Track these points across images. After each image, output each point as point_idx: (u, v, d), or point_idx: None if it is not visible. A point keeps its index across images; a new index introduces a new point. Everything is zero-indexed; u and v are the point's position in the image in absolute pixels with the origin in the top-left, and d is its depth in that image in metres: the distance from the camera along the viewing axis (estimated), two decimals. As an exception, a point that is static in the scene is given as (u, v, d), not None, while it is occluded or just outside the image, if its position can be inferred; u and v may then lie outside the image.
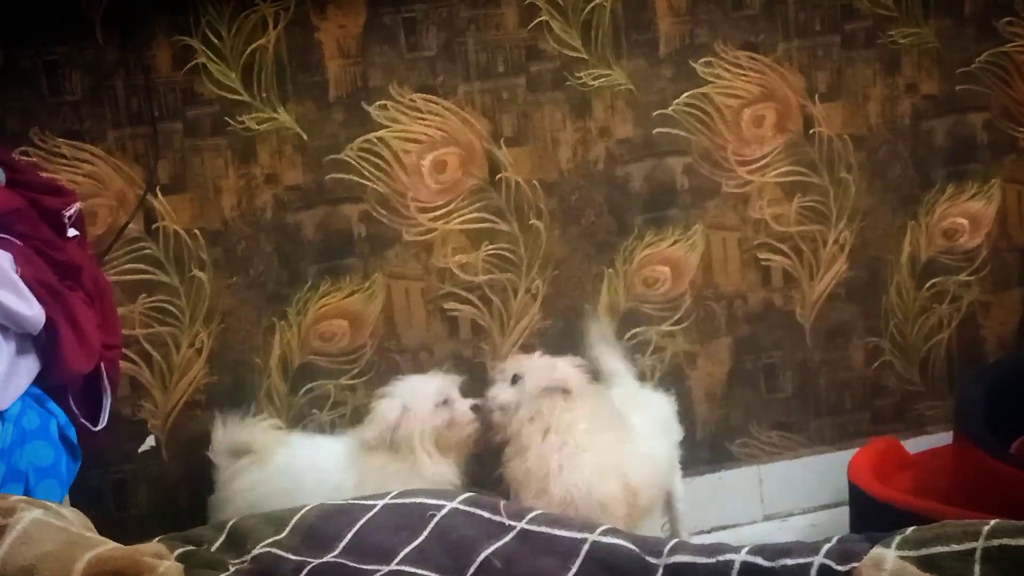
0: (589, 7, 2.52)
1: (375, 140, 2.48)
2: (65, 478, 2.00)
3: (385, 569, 1.49)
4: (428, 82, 2.49)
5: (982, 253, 2.79)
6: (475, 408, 2.29)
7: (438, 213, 2.53)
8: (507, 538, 1.55)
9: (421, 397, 2.27)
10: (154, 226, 2.43)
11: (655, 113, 2.59)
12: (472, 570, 1.50)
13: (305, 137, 2.46)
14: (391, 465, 2.22)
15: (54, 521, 1.47)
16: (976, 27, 2.70)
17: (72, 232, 2.20)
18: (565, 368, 2.28)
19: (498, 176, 2.55)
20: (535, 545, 1.53)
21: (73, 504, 1.90)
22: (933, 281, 2.78)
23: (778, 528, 2.71)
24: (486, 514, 1.59)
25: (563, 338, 2.60)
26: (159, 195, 2.42)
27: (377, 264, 2.52)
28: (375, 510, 1.60)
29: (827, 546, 1.44)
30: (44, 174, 2.32)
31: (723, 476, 2.73)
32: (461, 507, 1.60)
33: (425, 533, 1.55)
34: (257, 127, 2.44)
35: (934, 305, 2.79)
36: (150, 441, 2.48)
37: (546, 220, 2.58)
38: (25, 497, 1.59)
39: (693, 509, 2.59)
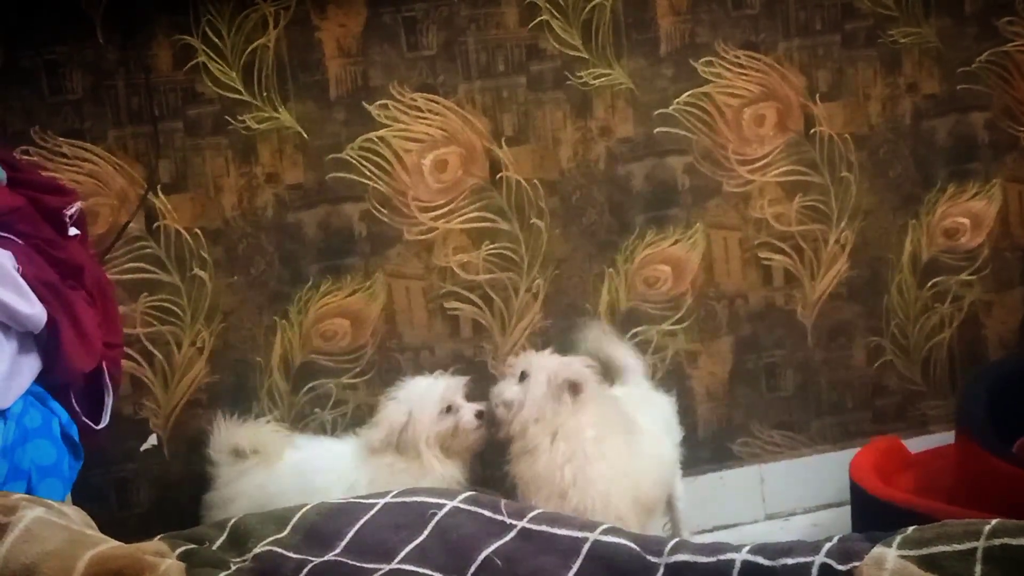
0: (590, 6, 2.52)
1: (376, 139, 2.48)
2: (67, 477, 2.01)
3: (386, 568, 1.49)
4: (429, 81, 2.49)
5: (983, 252, 2.79)
6: (479, 415, 2.28)
7: (439, 212, 2.53)
8: (508, 537, 1.55)
9: (426, 403, 2.26)
10: (155, 225, 2.43)
11: (656, 112, 2.59)
12: (473, 569, 1.50)
13: (306, 136, 2.46)
14: (399, 463, 2.22)
15: (56, 519, 1.47)
16: (977, 26, 2.69)
17: (73, 231, 2.20)
18: (577, 365, 2.26)
19: (499, 175, 2.55)
20: (536, 544, 1.53)
21: (75, 502, 1.90)
22: (934, 280, 2.78)
23: (779, 527, 2.71)
24: (487, 513, 1.59)
25: (564, 337, 2.60)
26: (160, 194, 2.42)
27: (378, 263, 2.52)
28: (376, 509, 1.60)
29: (828, 545, 1.44)
30: (45, 173, 2.32)
31: (724, 475, 2.73)
32: (462, 506, 1.60)
33: (426, 532, 1.55)
34: (258, 126, 2.44)
35: (935, 304, 2.79)
36: (152, 440, 2.48)
37: (547, 219, 2.58)
38: (27, 495, 1.59)
39: (694, 508, 2.59)
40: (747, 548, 1.48)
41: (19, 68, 2.33)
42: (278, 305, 2.50)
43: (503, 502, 1.62)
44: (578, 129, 2.57)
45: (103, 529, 1.57)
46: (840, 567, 1.40)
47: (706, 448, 2.72)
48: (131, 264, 2.43)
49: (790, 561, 1.43)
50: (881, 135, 2.70)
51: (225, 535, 1.59)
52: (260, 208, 2.47)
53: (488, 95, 2.52)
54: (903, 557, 1.38)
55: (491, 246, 2.56)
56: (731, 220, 2.66)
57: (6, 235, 2.04)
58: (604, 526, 1.56)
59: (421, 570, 1.49)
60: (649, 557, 1.50)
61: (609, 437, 2.19)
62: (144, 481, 2.49)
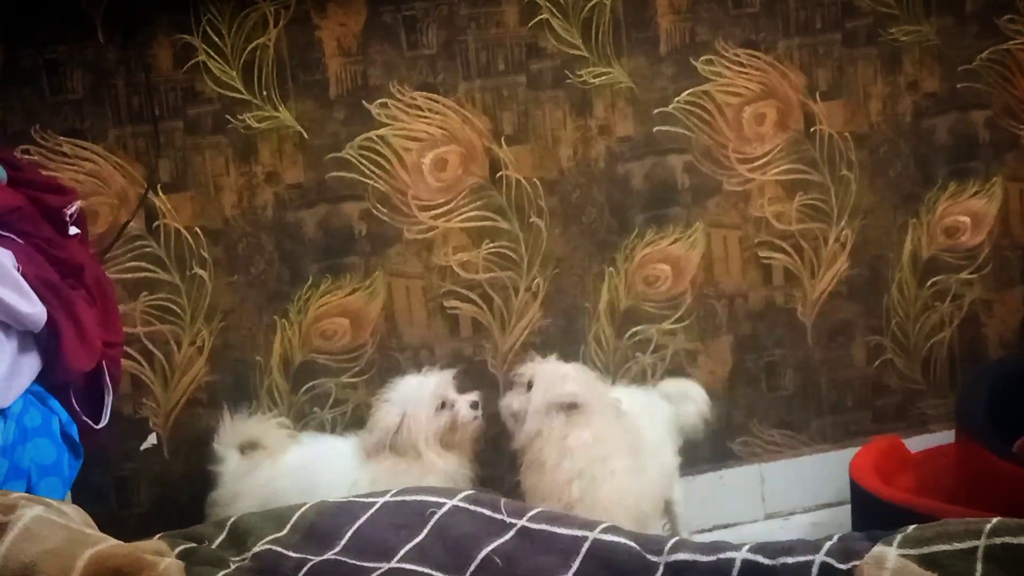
0: (589, 5, 2.52)
1: (376, 138, 2.48)
2: (67, 476, 2.01)
3: (385, 567, 1.49)
4: (429, 80, 2.49)
5: (984, 251, 2.78)
6: (475, 405, 2.28)
7: (439, 211, 2.53)
8: (507, 536, 1.54)
9: (419, 402, 2.25)
10: (155, 224, 2.43)
11: (656, 111, 2.59)
12: (472, 568, 1.49)
13: (306, 135, 2.46)
14: (400, 465, 2.22)
15: (55, 518, 1.47)
16: (977, 24, 2.69)
17: (73, 230, 2.20)
18: (574, 381, 2.23)
19: (499, 174, 2.55)
20: (536, 543, 1.53)
21: (75, 502, 1.90)
22: (935, 279, 2.77)
23: (779, 527, 2.70)
24: (486, 512, 1.59)
25: (564, 336, 2.60)
26: (160, 193, 2.42)
27: (378, 262, 2.52)
28: (375, 508, 1.60)
29: (828, 544, 1.44)
30: (45, 172, 2.32)
31: (724, 474, 2.73)
32: (461, 505, 1.59)
33: (425, 531, 1.55)
34: (258, 125, 2.44)
35: (936, 303, 2.78)
36: (151, 439, 2.48)
37: (547, 218, 2.58)
38: (27, 494, 1.59)
39: (694, 508, 2.59)
40: (747, 547, 1.48)
41: (20, 67, 2.33)
42: (278, 304, 2.50)
43: (503, 501, 1.62)
44: (578, 128, 2.56)
45: (103, 528, 1.57)
46: (840, 566, 1.40)
47: (706, 447, 2.71)
48: (131, 263, 2.43)
49: (790, 560, 1.43)
50: (881, 133, 2.70)
51: (224, 534, 1.59)
52: (260, 207, 2.47)
53: (488, 94, 2.52)
54: (904, 556, 1.38)
55: (491, 245, 2.56)
56: (731, 219, 2.66)
57: (6, 234, 2.04)
58: (604, 525, 1.56)
59: (421, 569, 1.49)
60: (649, 556, 1.50)
61: (615, 456, 2.18)
62: (144, 480, 2.49)
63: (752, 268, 2.69)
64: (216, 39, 2.39)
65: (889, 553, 1.38)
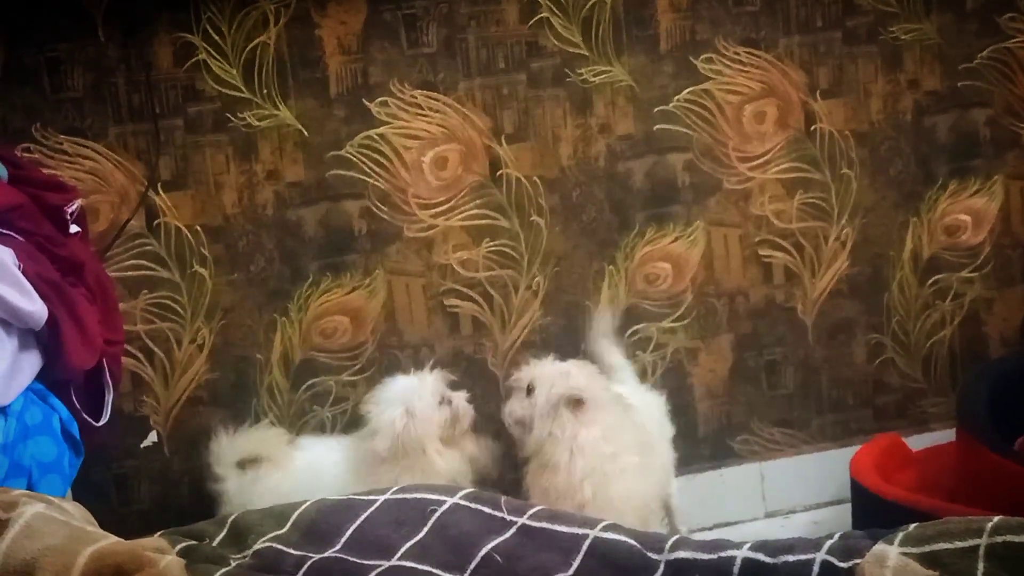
0: (590, 3, 2.52)
1: (376, 136, 2.48)
2: (68, 473, 2.01)
3: (386, 564, 1.49)
4: (429, 78, 2.49)
5: (985, 250, 2.78)
6: (470, 400, 2.28)
7: (439, 209, 2.53)
8: (508, 534, 1.55)
9: (424, 399, 2.23)
10: (155, 222, 2.43)
11: (656, 109, 2.58)
12: (473, 566, 1.49)
13: (306, 133, 2.46)
14: (404, 476, 2.16)
15: (56, 515, 1.47)
16: (978, 23, 2.69)
17: (74, 228, 2.20)
18: (578, 376, 2.20)
19: (499, 172, 2.55)
20: (536, 541, 1.53)
21: (75, 499, 1.89)
22: (935, 278, 2.77)
23: (780, 525, 2.70)
24: (487, 510, 1.59)
25: (564, 335, 2.60)
26: (160, 191, 2.42)
27: (378, 260, 2.52)
28: (376, 505, 1.60)
29: (829, 543, 1.44)
30: (46, 170, 2.32)
31: (724, 473, 2.72)
32: (462, 503, 1.60)
33: (426, 529, 1.55)
34: (258, 123, 2.44)
35: (936, 302, 2.78)
36: (152, 437, 2.48)
37: (547, 216, 2.58)
38: (27, 491, 1.59)
39: (695, 506, 2.58)
40: (748, 545, 1.48)
41: (21, 66, 2.33)
42: (278, 302, 2.50)
43: (503, 499, 1.62)
44: (578, 126, 2.56)
45: (103, 525, 1.57)
46: (841, 564, 1.40)
47: (706, 446, 2.71)
48: (131, 261, 2.43)
49: (791, 558, 1.43)
50: (882, 132, 2.70)
51: (225, 531, 1.59)
52: (260, 205, 2.47)
53: (488, 92, 2.51)
54: (905, 554, 1.38)
55: (491, 243, 2.56)
56: (731, 217, 2.66)
57: (7, 232, 2.04)
58: (604, 523, 1.56)
59: (421, 567, 1.49)
60: (650, 554, 1.50)
61: (624, 453, 2.17)
62: (144, 478, 2.49)
63: (752, 266, 2.69)
64: (216, 37, 2.39)
65: (890, 551, 1.38)
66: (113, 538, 1.48)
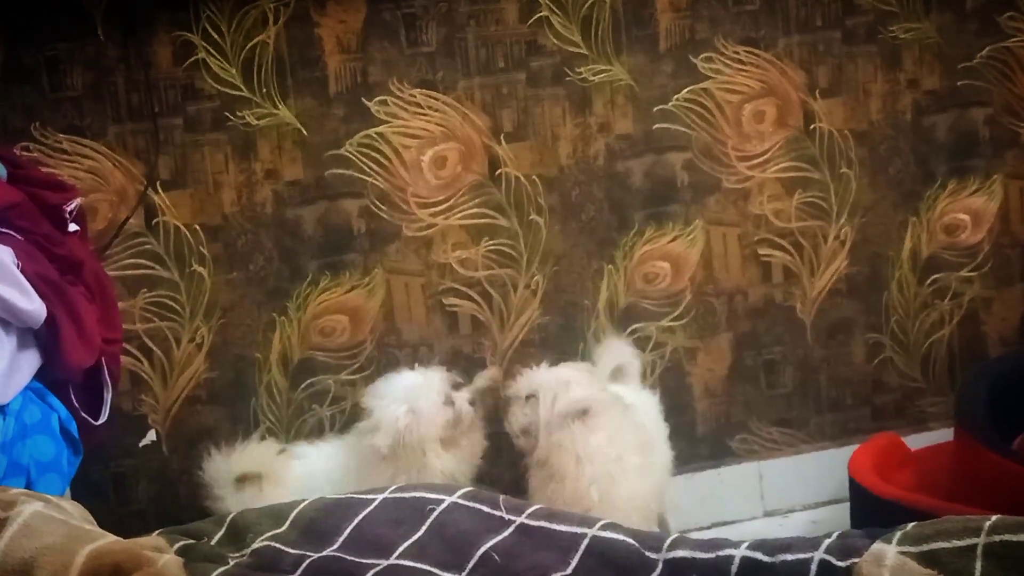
0: (589, 2, 2.52)
1: (375, 136, 2.48)
2: (66, 472, 2.01)
3: (384, 563, 1.49)
4: (428, 78, 2.49)
5: (984, 249, 2.78)
6: (472, 401, 2.25)
7: (438, 209, 2.53)
8: (506, 532, 1.55)
9: (428, 398, 2.20)
10: (154, 221, 2.43)
11: (655, 109, 2.58)
12: (471, 564, 1.49)
13: (305, 132, 2.46)
14: (400, 476, 2.14)
15: (54, 514, 1.47)
16: (978, 22, 2.69)
17: (73, 227, 2.20)
18: (579, 385, 2.18)
19: (498, 172, 2.55)
20: (534, 539, 1.53)
21: (74, 498, 1.89)
22: (934, 277, 2.77)
23: (778, 524, 2.70)
24: (485, 508, 1.59)
25: (563, 334, 2.60)
26: (159, 190, 2.42)
27: (377, 259, 2.52)
28: (374, 504, 1.60)
29: (827, 542, 1.44)
30: (45, 169, 2.32)
31: (723, 472, 2.72)
32: (460, 501, 1.60)
33: (424, 527, 1.55)
34: (257, 122, 2.44)
35: (935, 301, 2.78)
36: (151, 436, 2.48)
37: (546, 216, 2.58)
38: (26, 490, 1.59)
39: (693, 505, 2.59)
40: (746, 544, 1.48)
41: (20, 65, 2.33)
42: (277, 301, 2.50)
43: (501, 498, 1.62)
44: (577, 125, 2.56)
45: (102, 524, 1.57)
46: (839, 563, 1.40)
47: (705, 445, 2.72)
48: (130, 260, 2.43)
49: (789, 557, 1.43)
50: (881, 131, 2.70)
51: (223, 530, 1.59)
52: (259, 204, 2.47)
53: (487, 91, 2.51)
54: (902, 553, 1.38)
55: (490, 242, 2.56)
56: (730, 216, 2.66)
57: (6, 231, 2.04)
58: (602, 522, 1.56)
59: (419, 566, 1.49)
60: (648, 553, 1.50)
61: (627, 454, 2.17)
62: (143, 477, 2.49)
63: (751, 266, 2.69)
64: (216, 36, 2.39)
65: (888, 551, 1.38)
66: (111, 537, 1.48)
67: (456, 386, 2.27)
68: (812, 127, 2.66)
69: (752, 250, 2.68)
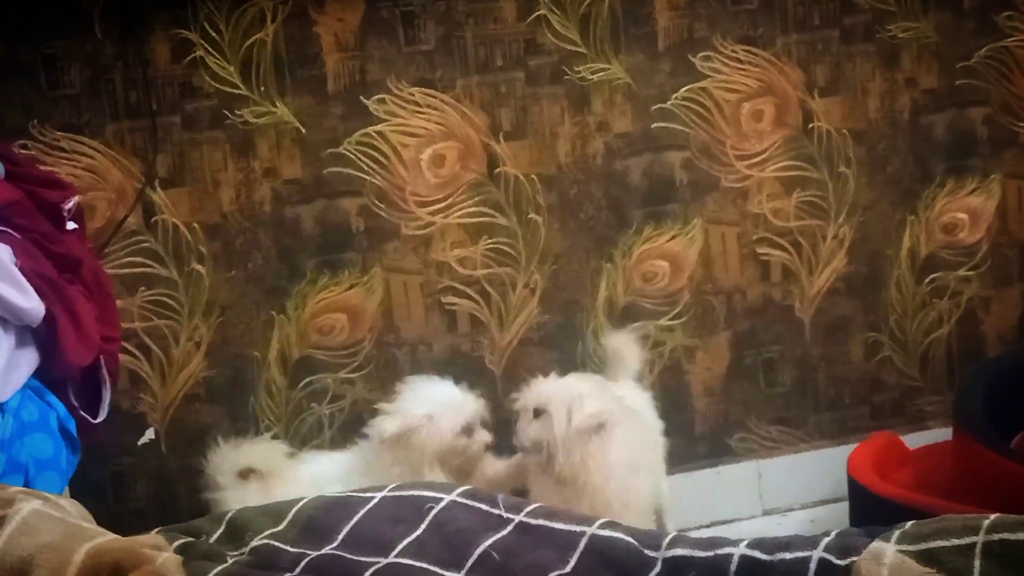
0: (587, 1, 2.52)
1: (373, 134, 2.48)
2: (65, 470, 2.01)
3: (383, 561, 1.49)
4: (426, 76, 2.48)
5: (982, 248, 2.79)
6: (488, 447, 2.22)
7: (437, 207, 2.53)
8: (505, 531, 1.54)
9: (451, 415, 2.18)
10: (153, 219, 2.43)
11: (654, 107, 2.58)
12: (470, 563, 1.49)
13: (303, 131, 2.46)
14: (395, 468, 2.14)
15: (53, 512, 1.47)
16: (976, 21, 2.69)
17: (71, 225, 2.20)
18: (591, 398, 2.14)
19: (497, 170, 2.55)
20: (534, 538, 1.53)
21: (73, 496, 1.89)
22: (933, 276, 2.78)
23: (777, 523, 2.71)
24: (484, 507, 1.58)
25: (561, 332, 2.60)
26: (158, 188, 2.42)
27: (376, 258, 2.52)
28: (373, 502, 1.60)
29: (826, 540, 1.44)
30: (43, 167, 2.32)
31: (722, 471, 2.73)
32: (459, 500, 1.59)
33: (423, 525, 1.55)
34: (255, 121, 2.44)
35: (934, 300, 2.79)
36: (149, 434, 2.48)
37: (545, 214, 2.58)
38: (24, 488, 1.58)
39: (692, 504, 2.59)
40: (745, 542, 1.48)
41: (18, 62, 2.33)
42: (275, 300, 2.50)
43: (500, 496, 1.61)
44: (576, 124, 2.56)
45: (100, 523, 1.57)
46: (838, 562, 1.40)
47: (703, 444, 2.72)
48: (129, 258, 2.43)
49: (788, 555, 1.43)
50: (879, 130, 2.70)
51: (222, 528, 1.59)
52: (258, 203, 2.46)
53: (486, 90, 2.51)
54: (901, 552, 1.37)
55: (489, 241, 2.56)
56: (729, 215, 2.66)
57: (4, 229, 2.04)
58: (601, 520, 1.56)
59: (418, 564, 1.48)
60: (647, 551, 1.50)
61: (640, 458, 2.18)
62: (141, 475, 2.49)
63: (750, 264, 2.69)
64: (214, 34, 2.39)
65: (887, 549, 1.38)
66: (110, 535, 1.47)
67: (484, 423, 2.23)
68: (810, 126, 2.66)
69: (751, 249, 2.68)
